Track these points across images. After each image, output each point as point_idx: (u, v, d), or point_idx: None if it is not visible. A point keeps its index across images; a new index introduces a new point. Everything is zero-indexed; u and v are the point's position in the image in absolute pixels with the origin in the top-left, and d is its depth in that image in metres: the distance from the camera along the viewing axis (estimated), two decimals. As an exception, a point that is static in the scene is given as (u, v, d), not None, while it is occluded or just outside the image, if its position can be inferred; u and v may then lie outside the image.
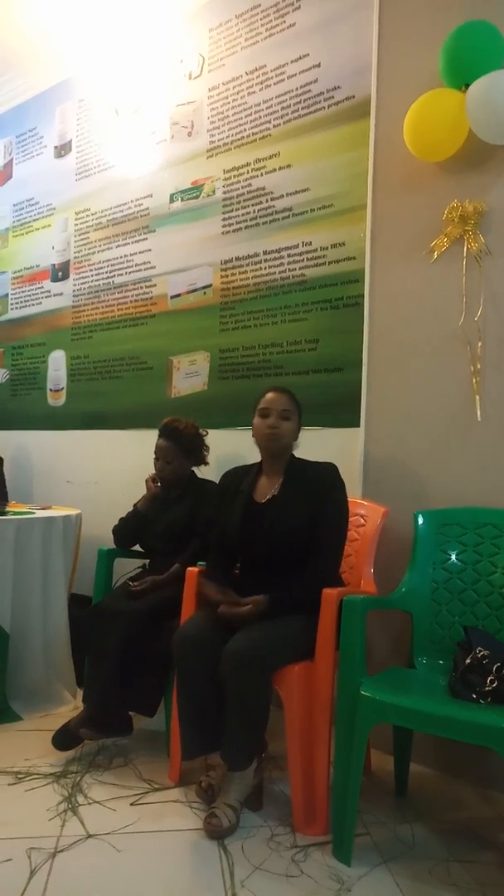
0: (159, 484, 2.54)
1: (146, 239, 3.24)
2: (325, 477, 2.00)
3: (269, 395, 2.05)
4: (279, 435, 2.01)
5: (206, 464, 2.54)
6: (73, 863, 1.61)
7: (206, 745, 1.86)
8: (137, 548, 2.59)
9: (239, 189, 2.86)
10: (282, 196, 2.71)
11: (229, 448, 2.65)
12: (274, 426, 2.01)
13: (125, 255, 3.33)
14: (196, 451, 2.51)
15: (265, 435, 2.03)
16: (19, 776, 2.02)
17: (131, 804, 1.89)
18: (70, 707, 2.56)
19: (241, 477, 2.13)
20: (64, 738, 2.09)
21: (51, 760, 2.11)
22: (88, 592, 2.61)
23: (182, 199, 3.09)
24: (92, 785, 1.99)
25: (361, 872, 1.61)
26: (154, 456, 2.49)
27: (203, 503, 2.39)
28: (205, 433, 2.53)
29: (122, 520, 2.57)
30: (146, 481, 2.58)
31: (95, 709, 2.11)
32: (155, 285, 3.19)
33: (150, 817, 1.83)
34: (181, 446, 2.46)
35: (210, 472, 2.55)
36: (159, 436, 2.49)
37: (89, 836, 1.72)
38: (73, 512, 2.81)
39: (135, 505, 2.57)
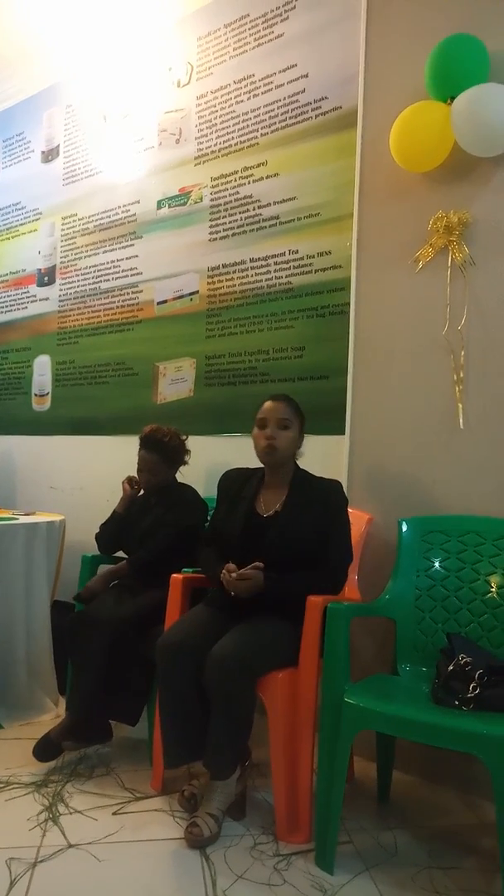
0: (139, 488, 2.53)
1: (133, 245, 3.24)
2: (331, 496, 1.97)
3: (267, 404, 2.00)
4: (276, 447, 1.96)
5: (185, 463, 2.52)
6: (53, 873, 1.59)
7: (189, 754, 1.85)
8: (121, 554, 2.58)
9: (226, 196, 2.87)
10: (269, 204, 2.72)
11: (215, 455, 2.65)
12: (271, 437, 1.96)
13: (112, 261, 3.33)
14: (179, 459, 2.50)
15: (262, 448, 1.97)
16: (-1, 785, 2.00)
17: (113, 813, 1.87)
18: (52, 715, 2.53)
19: (242, 481, 2.08)
20: (45, 749, 2.07)
21: (32, 769, 2.09)
22: (71, 599, 2.59)
23: (169, 206, 3.09)
24: (73, 794, 1.97)
25: (344, 880, 1.61)
26: (138, 465, 2.47)
27: (175, 508, 2.38)
28: (185, 437, 2.51)
29: (102, 525, 2.56)
30: (122, 483, 2.57)
31: (77, 717, 2.09)
32: (141, 291, 3.18)
33: (133, 826, 1.81)
34: (166, 458, 2.44)
35: (196, 480, 2.54)
36: (142, 447, 2.45)
37: (70, 845, 1.70)
38: (56, 518, 2.79)
39: (114, 510, 2.56)
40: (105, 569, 2.44)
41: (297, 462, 2.07)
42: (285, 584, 1.87)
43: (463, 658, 1.72)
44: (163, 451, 2.43)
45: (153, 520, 2.42)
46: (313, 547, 1.92)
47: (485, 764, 1.46)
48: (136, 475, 2.53)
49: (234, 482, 2.10)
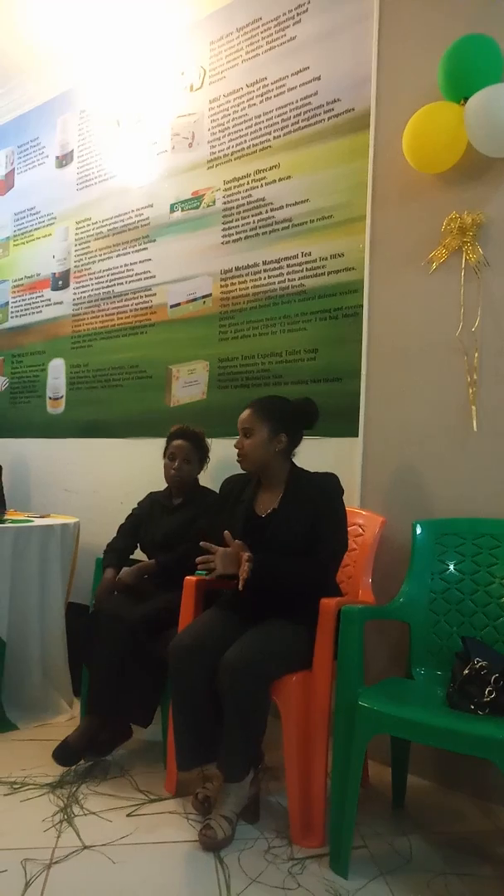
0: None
1: (146, 248, 3.26)
2: (324, 488, 1.98)
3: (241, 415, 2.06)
4: (241, 456, 2.02)
5: (206, 464, 2.57)
6: (68, 874, 1.60)
7: (202, 756, 1.85)
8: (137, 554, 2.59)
9: (239, 199, 2.88)
10: (281, 207, 2.72)
11: (228, 456, 2.63)
12: (237, 447, 2.03)
13: (125, 265, 3.35)
14: (205, 458, 2.55)
15: (237, 457, 2.04)
16: (15, 786, 2.01)
17: (127, 815, 1.88)
18: (67, 717, 2.55)
19: (241, 485, 2.12)
20: (64, 754, 2.07)
21: (47, 770, 2.10)
22: (86, 601, 2.60)
23: (182, 210, 3.10)
24: (88, 795, 1.97)
25: (359, 885, 1.60)
26: (169, 457, 2.49)
27: (203, 513, 2.39)
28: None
29: (110, 546, 2.55)
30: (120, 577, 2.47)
31: (95, 719, 2.11)
32: (155, 294, 3.20)
33: (147, 828, 1.82)
34: (198, 449, 2.51)
35: (210, 480, 2.55)
36: (177, 437, 2.51)
37: (85, 847, 1.71)
38: (71, 520, 2.81)
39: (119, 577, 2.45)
40: (124, 570, 2.46)
41: (294, 461, 2.07)
42: (271, 564, 1.85)
43: (478, 662, 1.71)
44: (195, 441, 2.51)
45: (179, 523, 2.42)
46: (311, 541, 1.92)
47: (501, 770, 1.44)
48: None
49: (234, 487, 2.14)
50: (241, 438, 2.02)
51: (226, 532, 1.91)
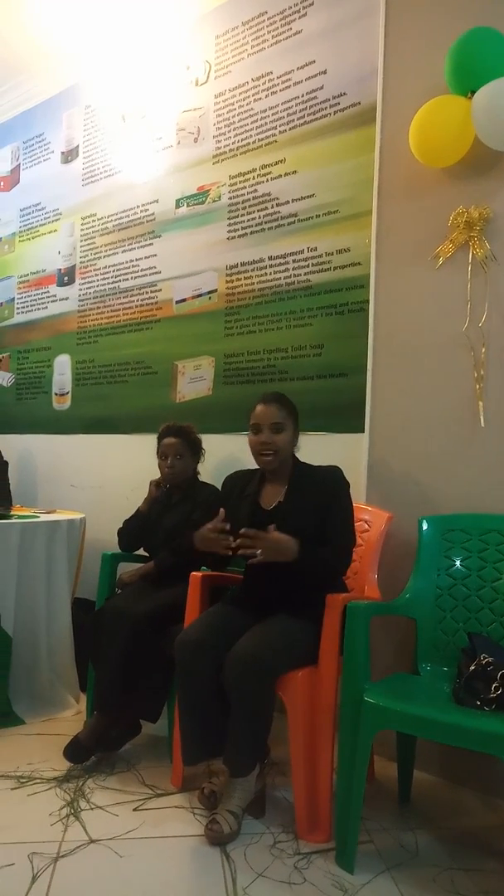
0: (166, 485, 2.56)
1: (152, 244, 3.25)
2: (330, 480, 1.98)
3: (258, 409, 2.00)
4: (273, 450, 1.97)
5: (202, 457, 2.58)
6: (75, 868, 1.60)
7: (208, 751, 1.86)
8: (141, 551, 2.60)
9: (245, 195, 2.87)
10: (287, 202, 2.71)
11: (234, 452, 2.65)
12: (266, 442, 1.97)
13: (131, 260, 3.35)
14: (199, 450, 2.56)
15: (259, 454, 1.99)
16: (22, 780, 2.02)
17: (134, 809, 1.89)
18: (73, 711, 2.56)
19: (245, 481, 2.12)
20: (76, 751, 2.08)
21: (54, 765, 2.11)
22: (92, 596, 2.61)
23: (188, 205, 3.10)
24: (94, 790, 1.98)
25: (364, 880, 1.60)
26: (161, 456, 2.51)
27: (200, 507, 2.40)
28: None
29: (126, 522, 2.58)
30: (150, 484, 2.59)
31: (104, 716, 2.11)
32: (160, 290, 3.20)
33: (153, 823, 1.82)
34: (189, 443, 2.51)
35: (215, 475, 2.55)
36: (165, 436, 2.52)
37: (91, 841, 1.71)
38: (77, 516, 2.82)
39: (138, 508, 2.58)
40: (134, 568, 2.49)
41: (296, 455, 2.07)
42: (311, 553, 1.85)
43: (485, 658, 1.70)
44: (185, 436, 2.51)
45: (179, 518, 2.44)
46: (317, 533, 1.92)
47: (507, 765, 1.44)
48: (159, 478, 2.56)
49: (238, 483, 2.13)
50: (269, 434, 1.96)
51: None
